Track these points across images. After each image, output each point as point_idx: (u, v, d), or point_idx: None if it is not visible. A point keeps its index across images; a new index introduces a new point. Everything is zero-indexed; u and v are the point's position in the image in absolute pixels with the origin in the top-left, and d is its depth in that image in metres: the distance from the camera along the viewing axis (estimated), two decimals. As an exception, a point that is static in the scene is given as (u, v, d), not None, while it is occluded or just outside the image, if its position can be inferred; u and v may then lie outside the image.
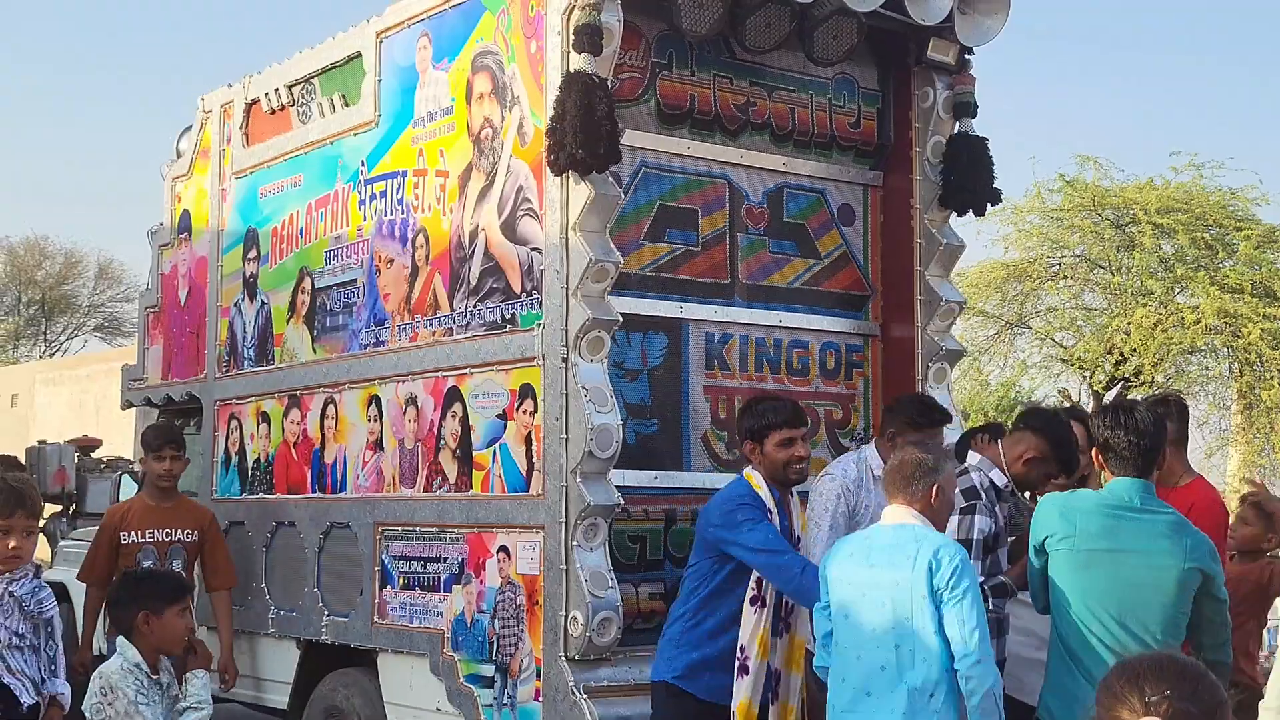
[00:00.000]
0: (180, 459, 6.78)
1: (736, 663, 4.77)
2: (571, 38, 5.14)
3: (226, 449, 7.35)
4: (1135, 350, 21.23)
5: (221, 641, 6.58)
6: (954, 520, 4.88)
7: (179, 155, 8.03)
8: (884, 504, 5.21)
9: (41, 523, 9.24)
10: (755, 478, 4.95)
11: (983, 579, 4.78)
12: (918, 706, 4.17)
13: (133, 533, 6.59)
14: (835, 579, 4.42)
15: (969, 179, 6.16)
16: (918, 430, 5.36)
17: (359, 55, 6.46)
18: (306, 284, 6.81)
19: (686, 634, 4.93)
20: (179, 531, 6.65)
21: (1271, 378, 20.52)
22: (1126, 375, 21.60)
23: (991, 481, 5.03)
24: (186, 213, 7.91)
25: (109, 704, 3.94)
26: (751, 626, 4.78)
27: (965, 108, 6.21)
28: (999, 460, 5.09)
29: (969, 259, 25.70)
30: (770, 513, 4.86)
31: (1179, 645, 4.32)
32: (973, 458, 5.16)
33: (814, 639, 4.67)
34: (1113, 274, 22.42)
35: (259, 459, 7.06)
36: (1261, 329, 20.04)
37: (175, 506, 6.77)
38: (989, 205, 6.24)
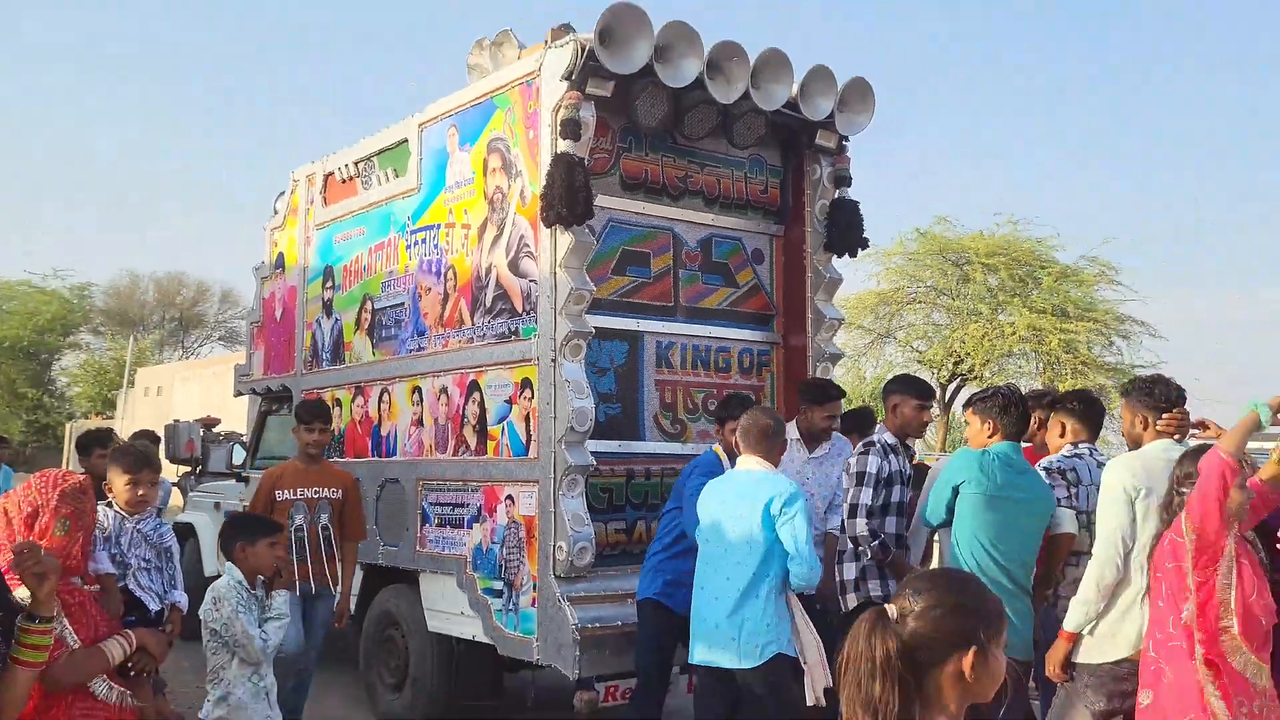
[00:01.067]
0: (327, 431, 5.93)
1: None
2: (558, 128, 5.14)
3: (310, 426, 7.27)
4: (969, 354, 21.36)
5: (342, 587, 5.70)
6: (854, 457, 4.93)
7: (276, 212, 7.96)
8: (794, 459, 5.27)
9: (174, 479, 9.22)
10: (720, 450, 5.00)
11: (874, 521, 4.74)
12: (765, 599, 4.19)
13: (286, 490, 5.69)
14: (706, 512, 4.42)
15: (845, 231, 6.15)
16: (821, 404, 5.42)
17: (405, 140, 6.41)
18: (368, 306, 6.76)
19: (664, 562, 4.91)
20: (326, 490, 5.75)
21: (1066, 374, 20.66)
22: (963, 373, 21.73)
23: (886, 441, 4.93)
24: (281, 254, 7.84)
25: (217, 610, 3.90)
26: None
27: (843, 180, 6.21)
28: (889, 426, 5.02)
29: (850, 289, 25.84)
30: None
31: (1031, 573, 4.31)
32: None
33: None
34: (954, 300, 22.53)
35: (334, 433, 7.00)
36: (1058, 339, 20.21)
37: (322, 469, 5.86)
38: (860, 250, 6.22)
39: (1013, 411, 4.39)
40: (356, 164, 6.91)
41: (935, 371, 22.45)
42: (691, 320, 5.96)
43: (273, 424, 8.13)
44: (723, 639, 4.22)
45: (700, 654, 4.32)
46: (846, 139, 6.16)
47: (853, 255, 6.21)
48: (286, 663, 5.05)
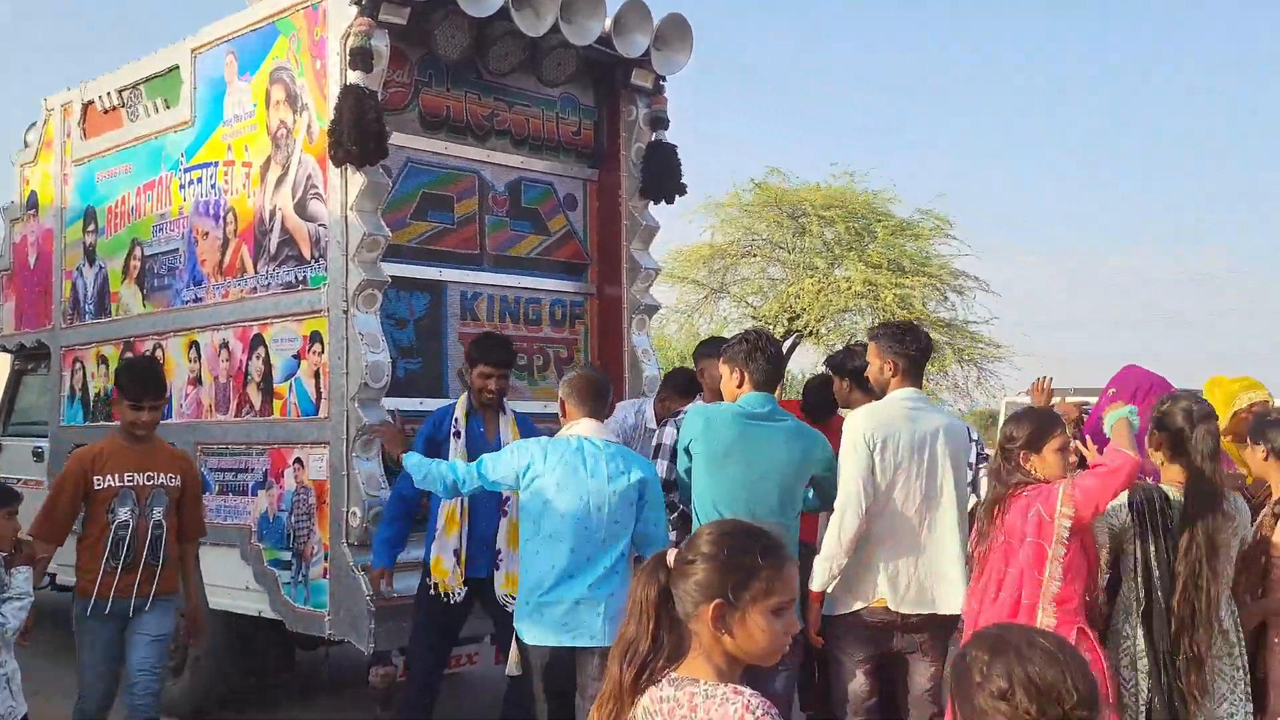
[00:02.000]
0: (159, 409, 4.78)
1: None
2: (348, 58, 5.07)
3: (71, 386, 7.00)
4: (805, 309, 22.07)
5: (189, 596, 5.01)
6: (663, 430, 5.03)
7: (26, 145, 7.56)
8: (647, 448, 5.17)
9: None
10: (463, 399, 4.99)
11: (673, 494, 4.70)
12: (614, 577, 4.13)
13: (108, 475, 4.60)
14: (551, 483, 4.15)
15: (662, 176, 6.29)
16: (684, 398, 5.40)
17: (177, 67, 6.18)
18: (137, 252, 6.51)
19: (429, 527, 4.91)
20: (162, 475, 4.70)
21: (901, 330, 21.59)
22: (799, 329, 22.45)
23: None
24: (34, 193, 7.44)
25: (-47, 587, 3.76)
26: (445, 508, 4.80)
27: (660, 122, 6.33)
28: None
29: (684, 240, 26.34)
30: (456, 421, 4.89)
31: (794, 522, 4.23)
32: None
33: None
34: (789, 253, 23.19)
35: (99, 393, 6.75)
36: (894, 294, 21.08)
37: (155, 449, 4.78)
38: (678, 196, 6.35)
39: (759, 358, 4.28)
40: (120, 92, 6.62)
41: (771, 327, 23.12)
42: (499, 269, 6.00)
43: (30, 385, 7.77)
44: (583, 617, 4.11)
45: (547, 636, 4.14)
46: (664, 79, 6.28)
47: (670, 201, 6.35)
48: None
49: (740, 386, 4.31)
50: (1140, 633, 3.79)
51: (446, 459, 4.66)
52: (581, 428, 4.28)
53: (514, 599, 4.44)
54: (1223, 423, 4.35)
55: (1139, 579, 3.78)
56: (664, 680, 1.99)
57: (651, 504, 4.26)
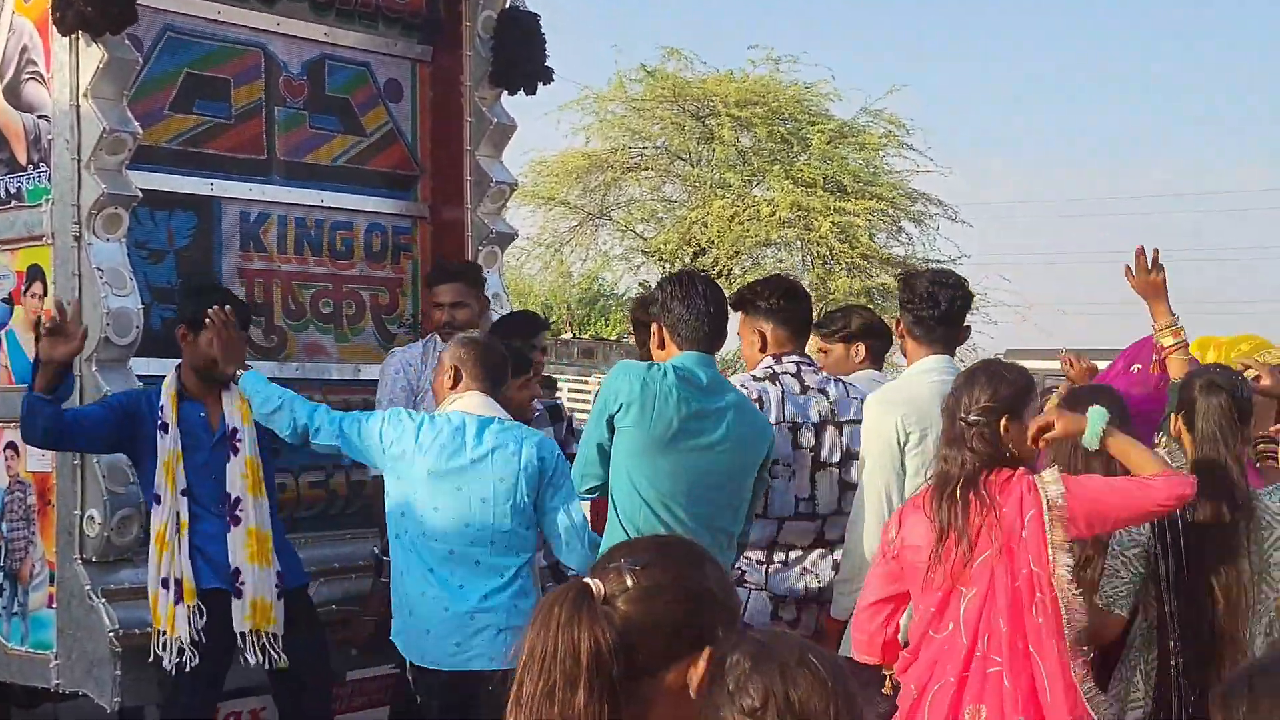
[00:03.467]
0: None
1: None
2: (80, -120, 4.92)
3: None
4: (713, 242, 22.31)
5: None
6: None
7: None
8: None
9: None
10: (169, 379, 4.97)
11: None
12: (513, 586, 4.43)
13: None
14: (420, 469, 4.47)
15: (520, 56, 6.26)
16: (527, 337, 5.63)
17: None
18: None
19: None
20: None
21: (841, 270, 22.00)
22: (704, 267, 22.65)
23: None
24: None
25: None
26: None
27: (517, -18, 6.32)
28: None
29: (550, 148, 26.27)
30: (163, 410, 4.87)
31: (743, 522, 4.37)
32: None
33: None
34: (693, 166, 23.40)
35: None
36: (831, 222, 21.42)
37: None
38: (541, 83, 6.35)
39: (698, 305, 4.29)
40: None
41: (667, 265, 23.30)
42: (294, 182, 5.95)
43: None
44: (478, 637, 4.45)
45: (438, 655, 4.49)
46: (522, -77, 6.26)
47: (530, 92, 6.34)
48: None
49: (663, 347, 4.38)
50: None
51: (153, 460, 4.78)
52: (466, 402, 4.47)
53: (264, 634, 4.75)
54: None
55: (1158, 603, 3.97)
56: None
57: (557, 486, 4.47)
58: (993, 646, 3.63)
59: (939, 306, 4.56)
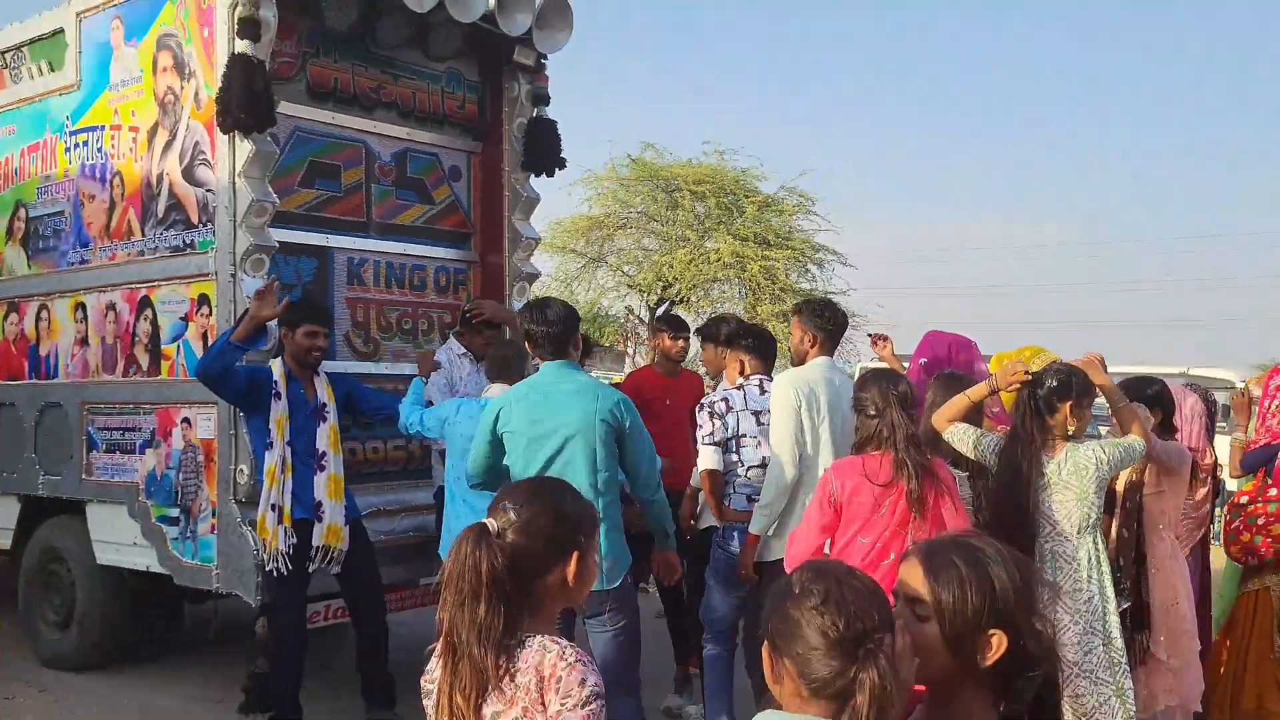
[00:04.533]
0: None
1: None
2: (235, 27, 4.90)
3: (-47, 346, 6.64)
4: (677, 278, 22.25)
5: None
6: None
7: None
8: (464, 373, 5.39)
9: None
10: (277, 363, 4.88)
11: None
12: None
13: None
14: (463, 434, 4.49)
15: (543, 151, 6.25)
16: (472, 333, 5.60)
17: (61, 30, 5.87)
18: (21, 213, 6.20)
19: None
20: None
21: (766, 300, 21.96)
22: (671, 297, 22.62)
23: None
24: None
25: None
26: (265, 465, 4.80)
27: (542, 98, 6.28)
28: None
29: (564, 211, 26.19)
30: (276, 383, 4.80)
31: (614, 491, 4.04)
32: None
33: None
34: (663, 225, 23.29)
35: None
36: (760, 266, 21.41)
37: None
38: (557, 170, 6.32)
39: (555, 325, 4.07)
40: (4, 54, 6.26)
41: (645, 295, 23.25)
42: (385, 237, 5.91)
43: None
44: None
45: None
46: (545, 57, 6.23)
47: (550, 175, 6.33)
48: None
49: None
50: None
51: (265, 417, 4.75)
52: (491, 391, 4.58)
53: (334, 549, 4.76)
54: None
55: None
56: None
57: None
58: None
59: (841, 327, 4.65)
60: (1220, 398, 8.15)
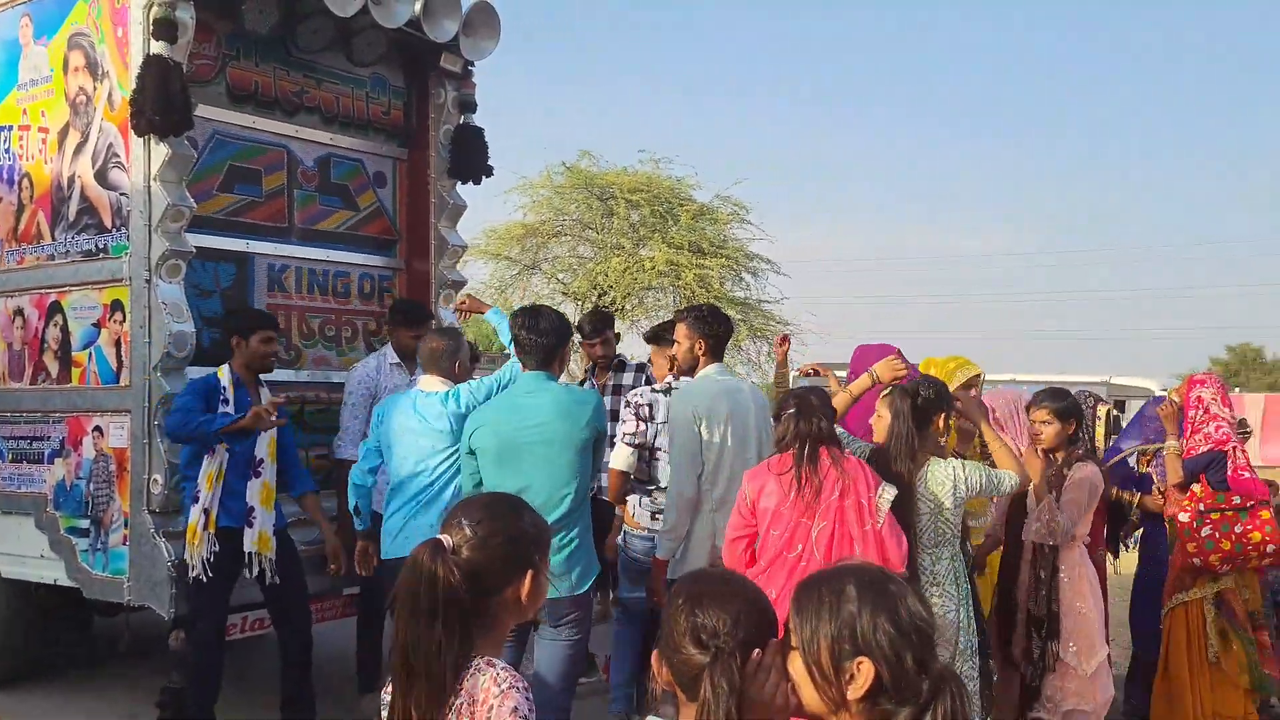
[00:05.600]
0: None
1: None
2: (151, 28, 4.81)
3: None
4: (612, 286, 22.24)
5: None
6: None
7: None
8: (400, 382, 5.33)
9: None
10: (224, 370, 4.82)
11: None
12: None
13: None
14: (396, 428, 4.51)
15: (469, 158, 6.21)
16: (409, 327, 5.51)
17: (-32, 27, 5.72)
18: (-74, 215, 6.01)
19: None
20: None
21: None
22: (605, 305, 22.60)
23: None
24: None
25: None
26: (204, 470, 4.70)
27: (468, 105, 6.25)
28: None
29: (499, 218, 26.07)
30: (224, 389, 4.74)
31: (586, 501, 4.09)
32: None
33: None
34: (598, 233, 23.28)
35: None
36: (694, 274, 21.48)
37: None
38: (484, 177, 6.28)
39: (543, 331, 4.09)
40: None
41: (580, 303, 23.21)
42: (307, 242, 5.82)
43: None
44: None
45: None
46: (472, 64, 6.19)
47: (476, 182, 6.28)
48: None
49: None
50: None
51: (214, 427, 4.64)
52: (423, 383, 4.60)
53: (264, 557, 4.68)
54: None
55: None
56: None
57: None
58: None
59: (728, 332, 4.64)
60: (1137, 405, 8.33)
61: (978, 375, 4.78)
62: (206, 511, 4.64)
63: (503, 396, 4.17)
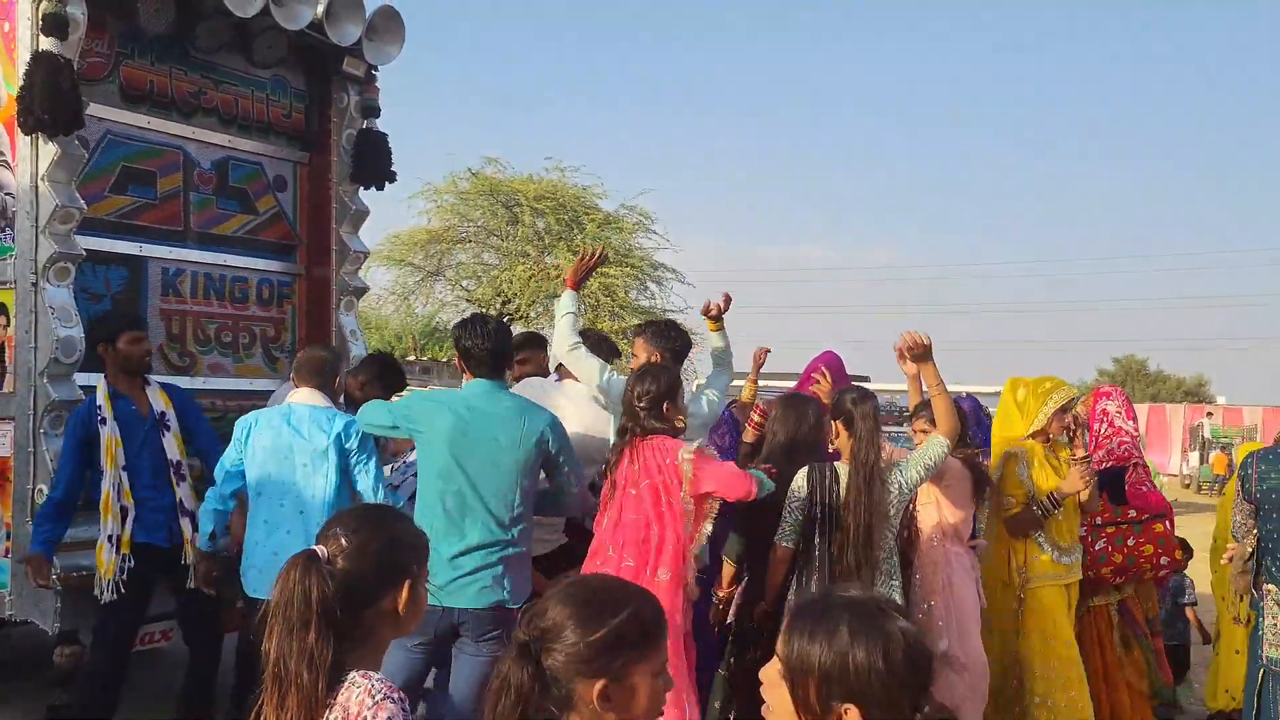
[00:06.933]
0: None
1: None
2: (40, 23, 4.67)
3: None
4: (516, 294, 22.20)
5: None
6: None
7: None
8: None
9: None
10: (101, 385, 4.65)
11: None
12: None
13: None
14: (260, 446, 4.29)
15: (372, 163, 6.15)
16: (386, 389, 5.00)
17: None
18: None
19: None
20: None
21: (605, 316, 22.11)
22: (510, 313, 22.53)
23: None
24: None
25: None
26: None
27: (372, 110, 6.18)
28: None
29: (402, 224, 25.84)
30: (100, 409, 4.59)
31: (526, 504, 3.96)
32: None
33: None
34: (503, 240, 23.22)
35: None
36: (599, 283, 21.53)
37: None
38: (387, 182, 6.22)
39: (482, 341, 4.00)
40: None
41: (484, 310, 23.07)
42: (204, 246, 5.70)
43: None
44: None
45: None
46: (376, 69, 6.13)
47: (379, 188, 6.22)
48: None
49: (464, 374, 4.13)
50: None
51: (100, 454, 4.51)
52: (297, 396, 4.40)
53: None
54: (1037, 423, 4.81)
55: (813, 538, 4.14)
56: None
57: (357, 451, 4.28)
58: (630, 539, 3.88)
59: (687, 345, 4.68)
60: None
61: (1075, 397, 4.96)
62: (114, 538, 4.50)
63: (456, 395, 4.04)
